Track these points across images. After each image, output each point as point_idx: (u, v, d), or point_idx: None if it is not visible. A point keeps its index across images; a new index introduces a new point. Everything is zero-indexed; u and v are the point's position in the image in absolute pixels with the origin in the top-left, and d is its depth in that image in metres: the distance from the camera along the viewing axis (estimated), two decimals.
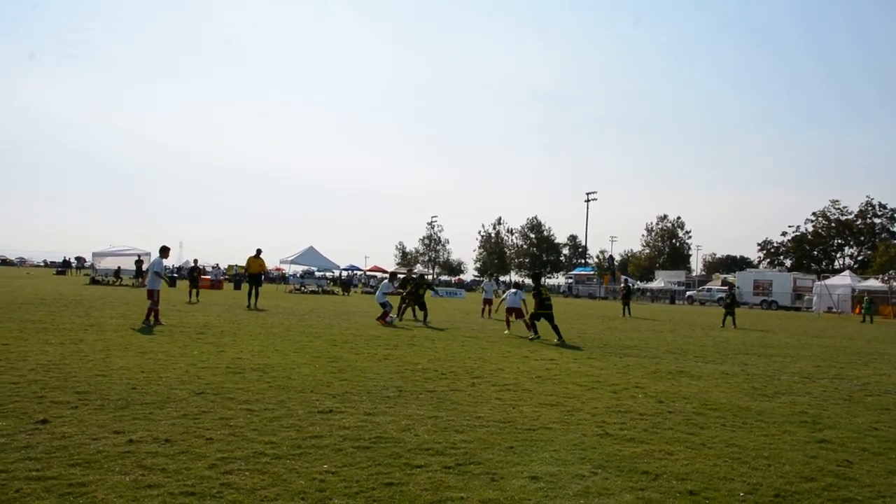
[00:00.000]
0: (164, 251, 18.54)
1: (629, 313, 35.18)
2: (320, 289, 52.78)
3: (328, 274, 67.52)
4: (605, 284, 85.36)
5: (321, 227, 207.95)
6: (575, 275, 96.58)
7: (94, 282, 45.99)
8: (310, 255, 54.62)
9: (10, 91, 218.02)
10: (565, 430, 6.99)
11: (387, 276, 23.14)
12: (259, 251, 27.30)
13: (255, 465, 5.27)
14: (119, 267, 51.56)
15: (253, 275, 26.73)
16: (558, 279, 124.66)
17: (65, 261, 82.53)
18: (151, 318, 16.91)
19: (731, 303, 29.36)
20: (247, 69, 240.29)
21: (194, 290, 30.15)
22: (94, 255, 54.92)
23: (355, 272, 75.99)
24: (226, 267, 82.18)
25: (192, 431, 6.21)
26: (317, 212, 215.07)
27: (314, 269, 61.02)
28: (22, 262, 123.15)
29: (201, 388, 8.38)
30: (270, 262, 31.22)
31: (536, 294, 18.69)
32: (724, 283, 77.61)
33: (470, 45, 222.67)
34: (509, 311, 20.04)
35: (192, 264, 34.02)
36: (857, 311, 55.19)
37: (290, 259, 54.35)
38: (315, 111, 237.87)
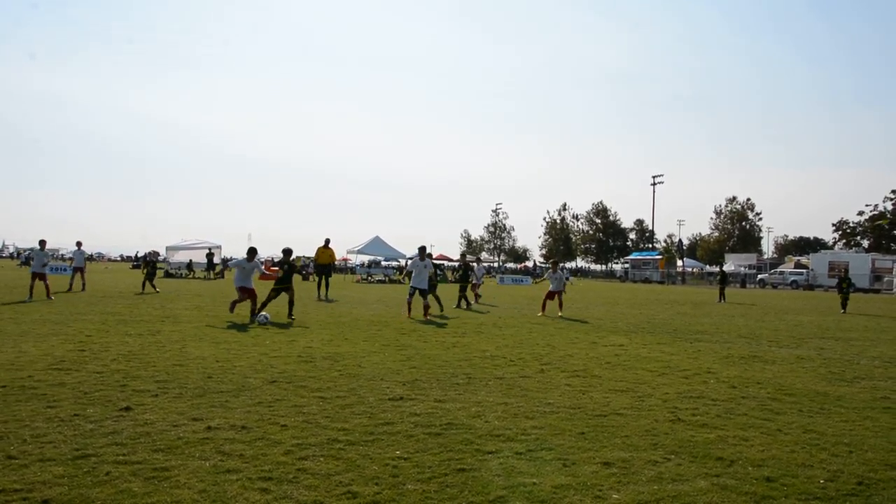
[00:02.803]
0: (249, 253, 17.47)
1: (724, 299, 34.54)
2: (387, 278, 53.26)
3: (394, 263, 67.97)
4: (660, 268, 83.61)
5: (387, 216, 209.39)
6: (631, 259, 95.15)
7: (167, 275, 47.32)
8: (376, 244, 55.13)
9: (115, 92, 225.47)
10: (636, 416, 6.93)
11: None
12: (327, 241, 27.53)
13: (330, 451, 5.37)
14: (191, 260, 52.91)
15: (322, 265, 26.99)
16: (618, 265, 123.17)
17: (143, 257, 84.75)
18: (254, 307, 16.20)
19: (846, 287, 28.25)
20: (309, 58, 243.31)
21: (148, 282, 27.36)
22: (168, 248, 56.52)
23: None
24: (293, 258, 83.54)
25: (266, 419, 6.36)
26: (382, 202, 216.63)
27: (380, 258, 61.56)
28: (100, 257, 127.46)
29: (274, 376, 8.57)
30: (337, 252, 31.62)
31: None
32: (798, 265, 75.58)
33: (532, 26, 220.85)
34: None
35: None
36: None
37: (356, 249, 54.97)
38: (378, 100, 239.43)
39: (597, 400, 7.72)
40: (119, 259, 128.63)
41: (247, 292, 16.53)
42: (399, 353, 11.04)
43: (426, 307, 18.19)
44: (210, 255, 49.57)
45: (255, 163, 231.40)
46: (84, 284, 25.76)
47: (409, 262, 20.71)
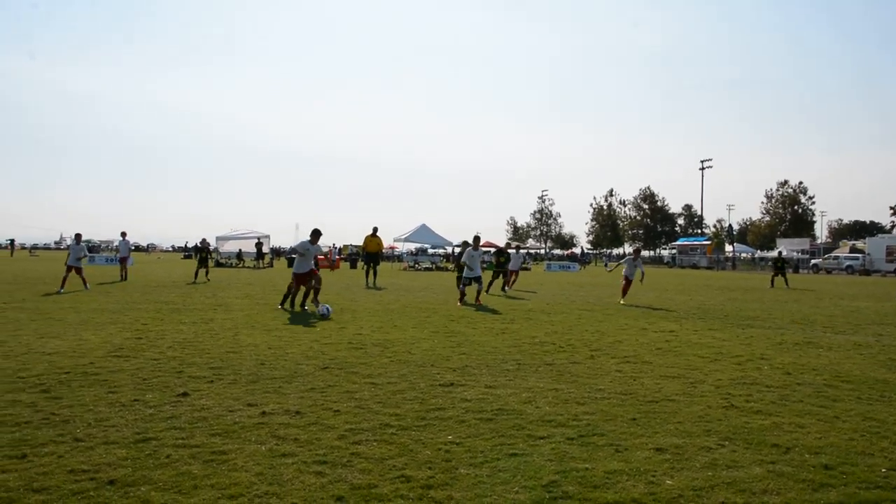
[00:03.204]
0: (314, 235, 16.46)
1: (786, 283, 33.94)
2: (434, 265, 53.41)
3: (440, 251, 68.08)
4: (708, 254, 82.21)
5: (433, 204, 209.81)
6: (678, 245, 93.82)
7: (218, 264, 48.09)
8: (422, 232, 55.27)
9: (143, 87, 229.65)
10: (689, 402, 6.86)
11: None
12: (375, 229, 27.72)
13: (382, 436, 5.43)
14: (240, 249, 53.68)
15: (371, 253, 27.19)
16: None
17: (195, 246, 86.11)
18: (311, 297, 15.68)
19: None
20: (346, 51, 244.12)
21: (202, 271, 27.95)
22: (218, 238, 57.38)
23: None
24: (341, 246, 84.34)
25: (319, 404, 6.46)
26: (429, 189, 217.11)
27: (427, 246, 61.73)
28: (153, 248, 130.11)
29: (326, 363, 8.68)
30: (384, 241, 31.86)
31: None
32: (854, 249, 73.80)
33: (576, 10, 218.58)
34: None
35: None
36: None
37: (403, 237, 55.17)
38: (421, 89, 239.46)
39: (648, 386, 7.66)
40: (170, 249, 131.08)
41: (306, 278, 15.69)
42: (448, 339, 11.08)
43: (479, 292, 18.50)
44: (259, 245, 50.21)
45: (297, 155, 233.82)
46: (126, 275, 26.13)
47: (460, 251, 20.45)
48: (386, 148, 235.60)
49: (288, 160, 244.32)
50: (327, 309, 14.32)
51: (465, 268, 19.11)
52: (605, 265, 25.21)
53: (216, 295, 19.62)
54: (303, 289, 16.12)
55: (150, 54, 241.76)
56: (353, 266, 50.16)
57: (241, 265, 49.21)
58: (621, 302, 20.01)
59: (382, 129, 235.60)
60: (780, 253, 42.55)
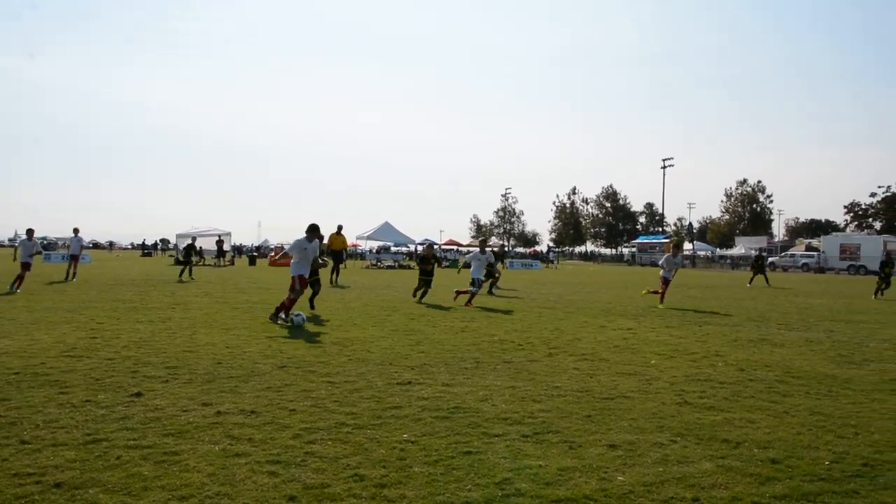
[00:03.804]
0: (311, 231, 14.19)
1: (767, 282, 34.49)
2: (396, 263, 53.35)
3: (403, 249, 68.03)
4: (667, 252, 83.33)
5: (396, 201, 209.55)
6: (638, 243, 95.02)
7: (178, 262, 47.47)
8: (385, 230, 55.30)
9: (96, 80, 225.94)
10: (644, 399, 6.95)
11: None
12: (340, 227, 27.72)
13: (337, 435, 5.42)
14: (201, 247, 53.07)
15: (336, 252, 27.17)
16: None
17: (154, 244, 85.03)
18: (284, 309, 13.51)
19: (889, 271, 26.79)
20: (315, 41, 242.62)
21: (186, 269, 28.71)
22: (178, 236, 56.73)
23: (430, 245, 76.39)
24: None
25: (276, 403, 6.42)
26: (392, 187, 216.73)
27: (390, 244, 61.73)
28: (111, 246, 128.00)
29: (283, 361, 8.63)
30: (348, 238, 31.76)
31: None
32: (809, 247, 75.25)
33: (544, 7, 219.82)
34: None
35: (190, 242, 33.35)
36: None
37: (366, 235, 55.15)
38: (386, 85, 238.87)
39: (604, 383, 7.75)
40: (130, 247, 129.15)
41: (295, 281, 13.47)
42: (408, 337, 11.09)
43: (473, 295, 18.03)
44: (220, 242, 49.71)
45: (257, 150, 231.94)
46: (75, 273, 25.25)
47: (469, 254, 19.51)
48: (350, 144, 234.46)
49: (248, 156, 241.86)
50: (302, 318, 12.74)
51: (474, 268, 18.51)
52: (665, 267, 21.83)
53: (175, 294, 19.39)
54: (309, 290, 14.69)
55: (104, 46, 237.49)
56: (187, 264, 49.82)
57: (201, 263, 48.63)
58: (660, 306, 18.70)
59: (347, 126, 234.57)
60: (760, 251, 42.97)
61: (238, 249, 79.54)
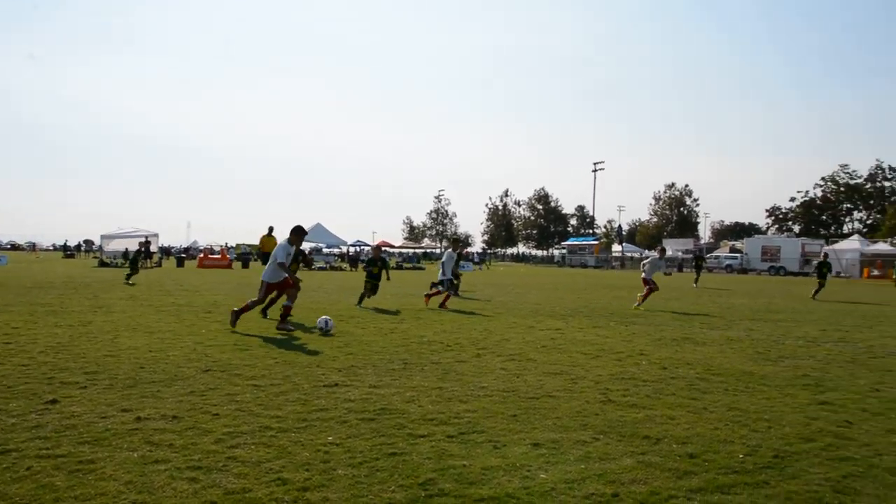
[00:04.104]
0: (296, 233, 13.38)
1: (696, 282, 35.26)
2: (328, 265, 52.93)
3: (335, 250, 67.51)
4: (595, 254, 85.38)
5: (328, 203, 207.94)
6: (568, 245, 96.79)
7: (102, 264, 46.20)
8: (317, 231, 54.84)
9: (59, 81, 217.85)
10: (568, 398, 7.06)
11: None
12: (271, 229, 27.27)
13: (261, 439, 5.35)
14: (127, 248, 51.66)
15: (267, 254, 26.76)
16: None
17: (78, 245, 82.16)
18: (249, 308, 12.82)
19: (826, 272, 27.02)
20: (246, 44, 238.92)
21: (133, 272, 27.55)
22: (103, 237, 55.14)
23: (363, 248, 76.13)
24: (234, 246, 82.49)
25: (199, 408, 6.30)
26: (323, 189, 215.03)
27: (322, 245, 61.20)
28: (32, 247, 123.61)
29: (208, 365, 8.47)
30: (280, 240, 31.53)
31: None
32: (733, 249, 77.48)
33: (470, 11, 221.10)
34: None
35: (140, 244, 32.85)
36: (867, 274, 55.19)
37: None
38: (315, 84, 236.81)
39: (530, 383, 7.83)
40: (52, 248, 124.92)
41: (282, 286, 12.83)
42: (336, 339, 11.01)
43: (447, 297, 17.93)
44: (147, 244, 48.52)
45: (188, 151, 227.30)
46: None
47: (446, 255, 18.75)
48: (282, 146, 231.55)
49: (178, 154, 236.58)
50: (327, 322, 12.05)
51: (442, 271, 18.20)
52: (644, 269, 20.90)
53: (97, 297, 18.82)
54: (273, 295, 13.51)
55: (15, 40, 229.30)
56: (245, 266, 49.13)
57: (126, 265, 47.39)
58: (638, 307, 18.90)
59: (277, 124, 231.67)
60: (699, 251, 43.66)
61: (166, 251, 77.84)
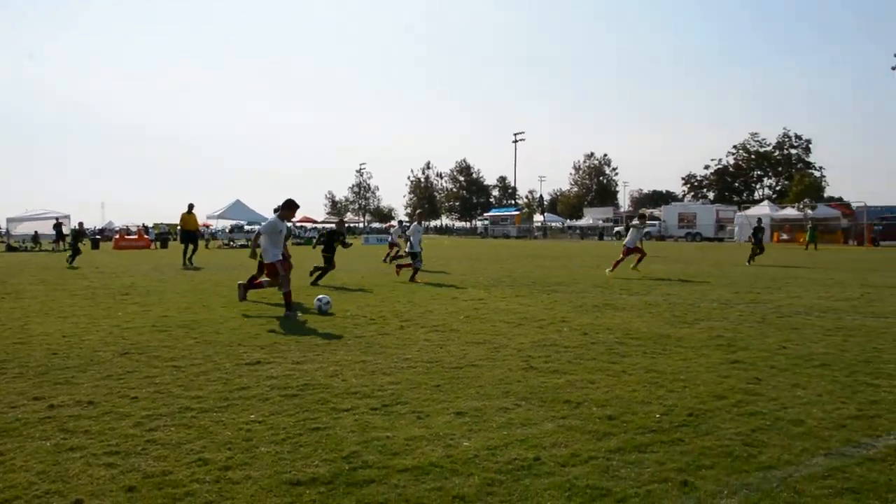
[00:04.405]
0: (288, 207, 12.28)
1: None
2: (250, 242, 52.10)
3: (257, 227, 66.48)
4: (517, 224, 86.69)
5: (247, 179, 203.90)
6: (490, 216, 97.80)
7: (10, 248, 44.39)
8: (237, 208, 53.84)
9: None
10: (491, 367, 7.15)
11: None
12: (191, 206, 26.73)
13: (181, 420, 5.26)
14: (36, 232, 49.90)
15: (189, 232, 26.27)
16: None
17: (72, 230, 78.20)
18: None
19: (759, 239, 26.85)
20: (166, 21, 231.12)
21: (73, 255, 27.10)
22: (9, 220, 53.00)
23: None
24: (152, 226, 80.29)
25: (116, 392, 6.14)
26: (240, 164, 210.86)
27: (243, 223, 60.16)
28: None
29: (126, 348, 8.26)
30: (198, 217, 30.66)
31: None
32: (651, 217, 79.39)
33: None
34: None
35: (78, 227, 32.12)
36: (776, 239, 57.38)
37: (216, 214, 53.46)
38: (231, 59, 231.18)
39: (454, 353, 7.90)
40: None
41: (278, 267, 11.64)
42: (259, 317, 10.87)
43: (416, 270, 18.02)
44: (59, 226, 46.75)
45: (100, 129, 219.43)
46: None
47: (412, 227, 18.53)
48: (199, 122, 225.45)
49: (90, 135, 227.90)
50: (324, 302, 11.54)
51: (409, 244, 18.30)
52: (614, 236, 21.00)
53: (5, 282, 18.09)
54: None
55: None
56: (164, 246, 47.88)
57: (37, 248, 45.66)
58: (611, 272, 19.70)
59: (193, 98, 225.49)
60: (759, 221, 43.09)
61: (79, 232, 75.27)
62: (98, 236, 58.27)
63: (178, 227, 27.24)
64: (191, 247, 25.73)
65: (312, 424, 5.12)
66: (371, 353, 7.87)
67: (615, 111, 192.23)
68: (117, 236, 54.65)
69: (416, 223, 19.14)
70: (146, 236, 53.86)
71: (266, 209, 72.25)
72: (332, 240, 17.44)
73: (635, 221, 21.06)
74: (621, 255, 20.45)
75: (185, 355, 7.81)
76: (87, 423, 5.19)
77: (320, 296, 11.89)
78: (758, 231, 27.62)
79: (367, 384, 6.37)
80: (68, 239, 44.67)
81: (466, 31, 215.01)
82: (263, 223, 11.96)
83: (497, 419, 5.26)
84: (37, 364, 7.36)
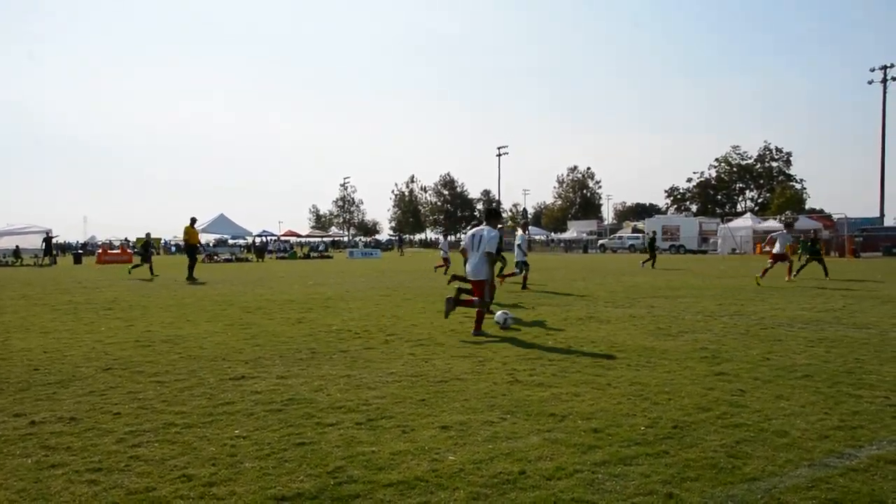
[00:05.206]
0: (497, 216, 11.60)
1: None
2: (234, 256, 51.90)
3: (241, 241, 66.17)
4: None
5: (232, 194, 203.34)
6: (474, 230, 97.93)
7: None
8: (221, 222, 53.70)
9: None
10: (476, 380, 7.14)
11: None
12: (193, 220, 26.84)
13: (165, 436, 5.21)
14: (17, 246, 49.46)
15: (191, 245, 26.32)
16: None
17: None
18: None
19: (817, 248, 25.26)
20: (140, 30, 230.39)
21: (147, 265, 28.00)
22: None
23: (269, 238, 74.84)
24: (134, 240, 79.82)
25: (98, 408, 6.09)
26: (227, 179, 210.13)
27: (227, 236, 59.99)
28: None
29: (109, 363, 8.20)
30: (178, 231, 30.50)
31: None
32: (635, 230, 79.75)
33: None
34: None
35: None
36: (759, 250, 57.75)
37: (200, 228, 53.15)
38: (213, 72, 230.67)
39: (439, 367, 7.89)
40: None
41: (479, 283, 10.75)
42: (243, 331, 10.83)
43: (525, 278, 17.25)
44: (48, 240, 46.32)
45: (84, 142, 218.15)
46: None
47: (518, 236, 16.48)
48: (181, 136, 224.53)
49: (72, 149, 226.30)
50: (508, 317, 11.14)
51: (517, 252, 18.20)
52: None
53: None
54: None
55: None
56: (147, 260, 47.47)
57: (18, 263, 45.25)
58: (760, 281, 20.27)
59: (173, 114, 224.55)
60: (814, 232, 42.12)
61: (62, 247, 74.68)
62: (80, 251, 57.84)
63: (185, 241, 27.25)
64: (191, 260, 25.84)
65: (297, 439, 5.09)
66: (356, 368, 7.84)
67: (598, 125, 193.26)
68: (100, 251, 54.25)
69: (519, 232, 18.97)
70: (128, 251, 53.50)
71: (250, 222, 72.04)
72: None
73: (783, 231, 21.51)
74: (769, 263, 20.93)
75: (168, 370, 7.76)
76: (69, 440, 5.14)
77: (505, 310, 11.62)
78: (814, 242, 25.37)
79: (351, 398, 6.35)
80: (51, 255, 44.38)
81: (452, 43, 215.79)
82: (476, 231, 10.97)
83: (482, 433, 5.25)
84: (17, 380, 7.29)
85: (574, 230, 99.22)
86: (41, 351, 9.12)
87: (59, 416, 5.83)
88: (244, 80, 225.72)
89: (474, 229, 11.01)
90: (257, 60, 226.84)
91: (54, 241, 54.22)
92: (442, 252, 29.11)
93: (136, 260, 34.33)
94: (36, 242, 47.92)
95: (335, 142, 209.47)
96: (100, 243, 79.65)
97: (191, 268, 25.38)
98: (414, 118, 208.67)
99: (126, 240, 74.98)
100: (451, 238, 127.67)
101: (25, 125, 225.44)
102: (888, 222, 62.80)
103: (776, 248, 21.07)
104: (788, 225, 21.56)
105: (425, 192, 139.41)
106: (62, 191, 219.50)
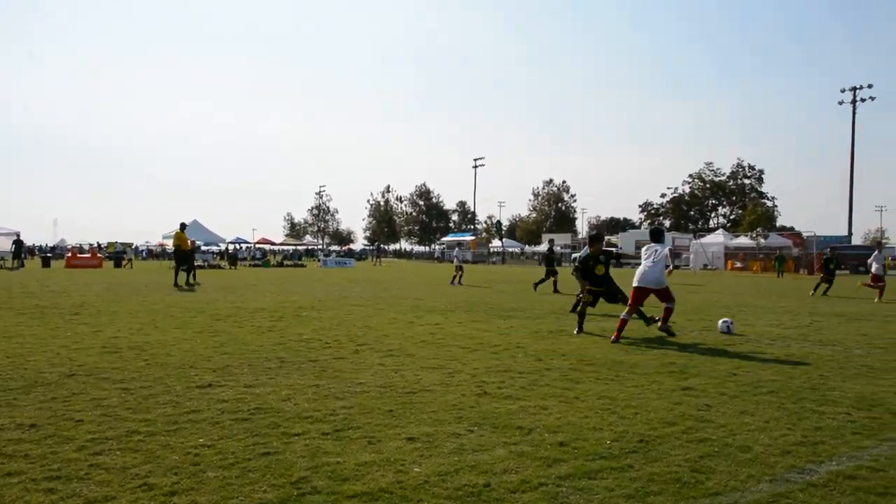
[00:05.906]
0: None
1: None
2: (206, 263, 51.41)
3: (214, 248, 65.71)
4: (472, 249, 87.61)
5: (205, 200, 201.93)
6: (447, 241, 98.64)
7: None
8: (193, 228, 53.10)
9: None
10: (445, 392, 7.13)
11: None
12: (183, 226, 26.67)
13: (128, 444, 5.14)
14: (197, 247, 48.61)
15: (184, 252, 26.13)
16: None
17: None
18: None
19: (833, 268, 24.89)
20: (122, 31, 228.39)
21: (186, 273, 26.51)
22: None
23: (242, 245, 74.32)
24: (105, 244, 78.94)
25: (60, 414, 6.00)
26: (200, 185, 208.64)
27: (199, 243, 59.48)
28: None
29: (73, 369, 8.08)
30: (154, 237, 30.21)
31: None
32: (609, 244, 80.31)
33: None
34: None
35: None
36: (730, 267, 58.39)
37: (172, 234, 52.69)
38: (189, 77, 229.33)
39: (408, 378, 7.87)
40: None
41: (664, 292, 12.43)
42: (212, 339, 10.73)
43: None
44: (18, 242, 45.58)
45: (54, 142, 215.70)
46: None
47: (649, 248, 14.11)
48: (156, 138, 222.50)
49: (40, 147, 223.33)
50: (730, 325, 12.82)
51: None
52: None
53: None
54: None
55: None
56: (118, 265, 47.06)
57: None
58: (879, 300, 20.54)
59: (148, 115, 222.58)
60: (831, 249, 41.69)
61: (30, 250, 73.57)
62: (49, 254, 57.04)
63: (176, 247, 26.80)
64: (185, 266, 25.85)
65: (262, 449, 5.05)
66: (325, 378, 7.80)
67: (577, 139, 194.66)
68: (69, 254, 53.58)
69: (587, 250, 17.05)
70: (98, 255, 52.91)
71: (224, 229, 71.69)
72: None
73: (876, 252, 22.07)
74: (871, 283, 21.55)
75: (134, 377, 7.67)
76: (27, 447, 5.05)
77: (725, 318, 13.11)
78: (829, 262, 24.87)
79: (319, 409, 6.31)
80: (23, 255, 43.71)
81: (429, 53, 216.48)
82: (653, 247, 12.35)
83: (448, 445, 5.24)
84: None
85: (547, 243, 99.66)
86: (3, 356, 8.97)
87: (18, 422, 5.73)
88: (244, 81, 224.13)
89: (646, 246, 12.44)
90: (257, 60, 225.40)
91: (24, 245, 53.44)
92: (456, 261, 30.67)
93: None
94: (5, 245, 47.16)
95: (311, 149, 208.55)
96: (69, 246, 78.68)
97: (188, 272, 25.33)
98: (392, 125, 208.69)
99: (97, 243, 74.06)
100: (427, 248, 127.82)
101: (26, 125, 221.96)
102: (855, 241, 63.86)
103: (874, 269, 21.71)
104: (879, 244, 22.27)
105: (401, 202, 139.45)
106: (29, 192, 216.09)
